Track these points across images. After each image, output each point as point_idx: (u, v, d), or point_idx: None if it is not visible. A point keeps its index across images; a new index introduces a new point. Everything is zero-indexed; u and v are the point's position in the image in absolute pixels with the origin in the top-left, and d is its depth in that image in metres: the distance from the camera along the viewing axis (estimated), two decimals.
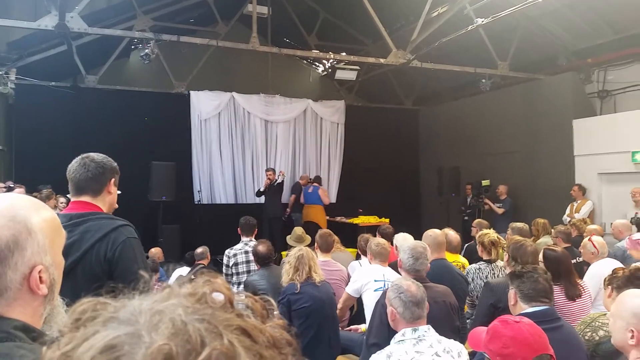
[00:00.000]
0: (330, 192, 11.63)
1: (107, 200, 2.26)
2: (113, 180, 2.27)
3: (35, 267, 1.01)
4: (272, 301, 0.67)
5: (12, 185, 7.08)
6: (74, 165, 2.21)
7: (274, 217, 9.98)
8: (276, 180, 10.11)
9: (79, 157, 2.23)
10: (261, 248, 4.72)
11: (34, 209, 1.06)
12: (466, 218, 10.31)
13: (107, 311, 0.55)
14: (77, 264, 2.03)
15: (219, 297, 0.58)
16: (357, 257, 5.87)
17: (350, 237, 8.13)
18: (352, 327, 4.42)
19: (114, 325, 0.52)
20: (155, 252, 7.22)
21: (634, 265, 2.84)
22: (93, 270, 2.04)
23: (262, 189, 10.14)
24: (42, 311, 1.05)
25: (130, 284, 0.63)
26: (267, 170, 10.36)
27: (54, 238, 1.09)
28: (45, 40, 9.26)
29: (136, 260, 2.11)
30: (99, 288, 0.64)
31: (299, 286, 3.76)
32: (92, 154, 2.25)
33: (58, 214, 2.18)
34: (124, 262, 2.06)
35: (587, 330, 2.30)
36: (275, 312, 0.65)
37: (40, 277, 1.02)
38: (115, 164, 2.31)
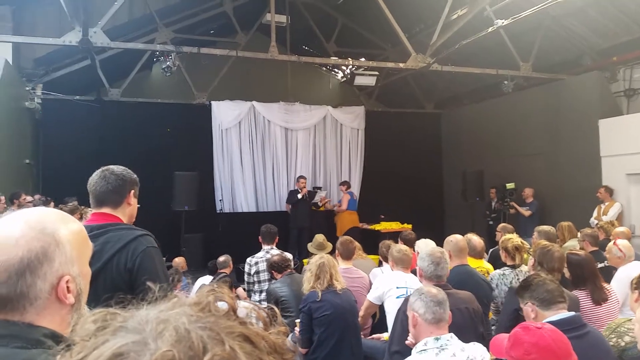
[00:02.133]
0: None
1: (127, 211, 2.29)
2: (133, 192, 2.30)
3: (62, 277, 1.05)
4: (276, 309, 0.71)
5: (46, 199, 7.25)
6: (94, 178, 2.25)
7: (305, 226, 9.96)
8: (314, 200, 10.16)
9: (99, 169, 2.27)
10: (275, 258, 4.77)
11: (62, 222, 1.11)
12: (491, 222, 10.16)
13: (116, 321, 0.58)
14: (98, 274, 2.05)
15: (223, 305, 0.61)
16: (380, 264, 5.82)
17: (372, 243, 8.08)
18: (374, 335, 4.37)
19: (122, 334, 0.55)
20: (179, 261, 7.29)
21: None
22: (114, 281, 2.07)
23: (299, 197, 10.04)
24: (69, 320, 1.08)
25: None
26: (301, 177, 10.33)
27: (81, 249, 1.13)
28: (69, 56, 9.51)
29: (156, 269, 2.13)
30: (120, 298, 0.68)
31: (320, 294, 3.75)
32: (112, 167, 2.28)
33: None
34: (144, 272, 2.08)
35: (612, 336, 2.23)
36: (278, 320, 0.68)
37: (67, 287, 1.06)
38: (135, 175, 2.34)
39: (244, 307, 0.67)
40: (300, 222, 9.94)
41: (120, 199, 2.25)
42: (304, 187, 10.07)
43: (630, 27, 8.37)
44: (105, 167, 2.28)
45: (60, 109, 9.85)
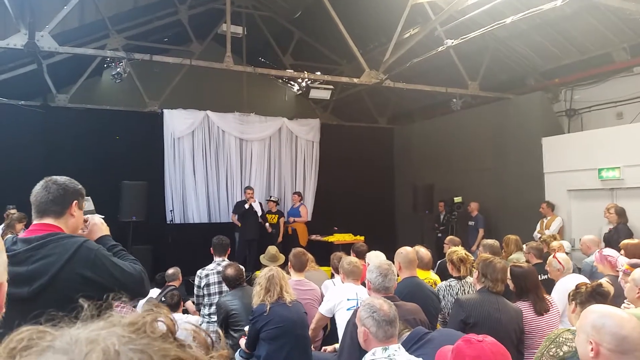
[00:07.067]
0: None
1: (70, 223, 2.21)
2: (75, 202, 2.22)
3: None
4: (221, 332, 0.69)
5: None
6: (36, 188, 2.18)
7: (252, 238, 9.88)
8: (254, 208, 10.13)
9: (43, 180, 2.20)
10: (230, 271, 4.67)
11: None
12: (440, 234, 10.43)
13: (44, 340, 0.55)
14: (47, 288, 1.97)
15: (161, 327, 0.58)
16: (332, 276, 5.84)
17: (325, 255, 8.11)
18: (325, 347, 4.38)
19: (49, 354, 0.52)
20: None
21: (596, 281, 2.90)
22: (67, 292, 1.98)
23: (246, 208, 9.93)
24: None
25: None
26: (248, 188, 10.23)
27: None
28: (14, 59, 9.13)
29: (111, 271, 2.09)
30: (51, 315, 0.64)
31: (268, 307, 3.73)
32: (55, 177, 2.21)
33: (20, 238, 2.13)
34: (102, 274, 2.04)
35: (552, 346, 2.32)
36: (222, 343, 0.66)
37: None
38: (80, 186, 2.26)
39: (184, 329, 0.66)
40: (249, 235, 9.84)
41: (62, 210, 2.18)
42: (251, 198, 10.00)
43: (570, 51, 8.84)
44: (49, 178, 2.20)
45: (4, 114, 9.40)
